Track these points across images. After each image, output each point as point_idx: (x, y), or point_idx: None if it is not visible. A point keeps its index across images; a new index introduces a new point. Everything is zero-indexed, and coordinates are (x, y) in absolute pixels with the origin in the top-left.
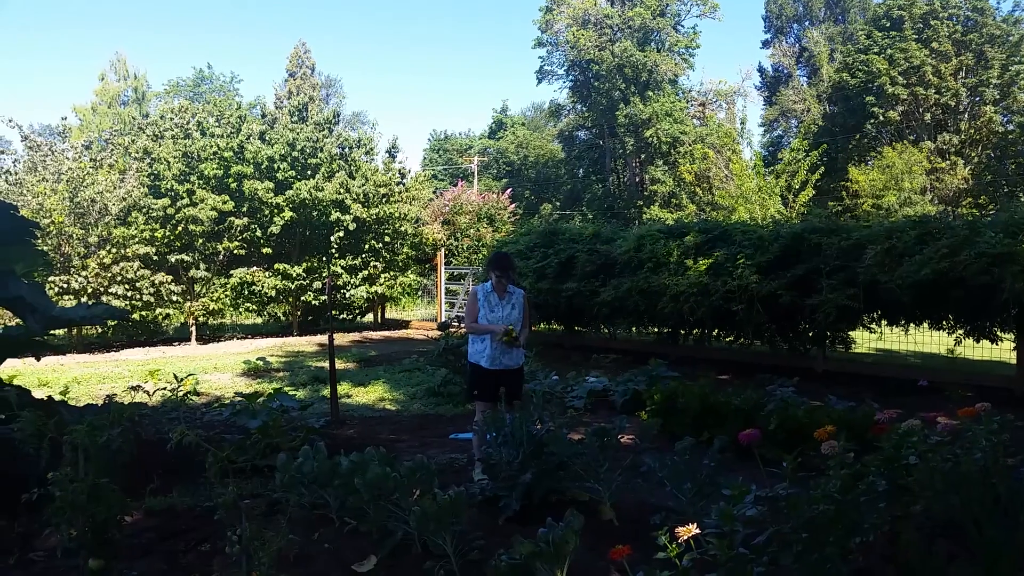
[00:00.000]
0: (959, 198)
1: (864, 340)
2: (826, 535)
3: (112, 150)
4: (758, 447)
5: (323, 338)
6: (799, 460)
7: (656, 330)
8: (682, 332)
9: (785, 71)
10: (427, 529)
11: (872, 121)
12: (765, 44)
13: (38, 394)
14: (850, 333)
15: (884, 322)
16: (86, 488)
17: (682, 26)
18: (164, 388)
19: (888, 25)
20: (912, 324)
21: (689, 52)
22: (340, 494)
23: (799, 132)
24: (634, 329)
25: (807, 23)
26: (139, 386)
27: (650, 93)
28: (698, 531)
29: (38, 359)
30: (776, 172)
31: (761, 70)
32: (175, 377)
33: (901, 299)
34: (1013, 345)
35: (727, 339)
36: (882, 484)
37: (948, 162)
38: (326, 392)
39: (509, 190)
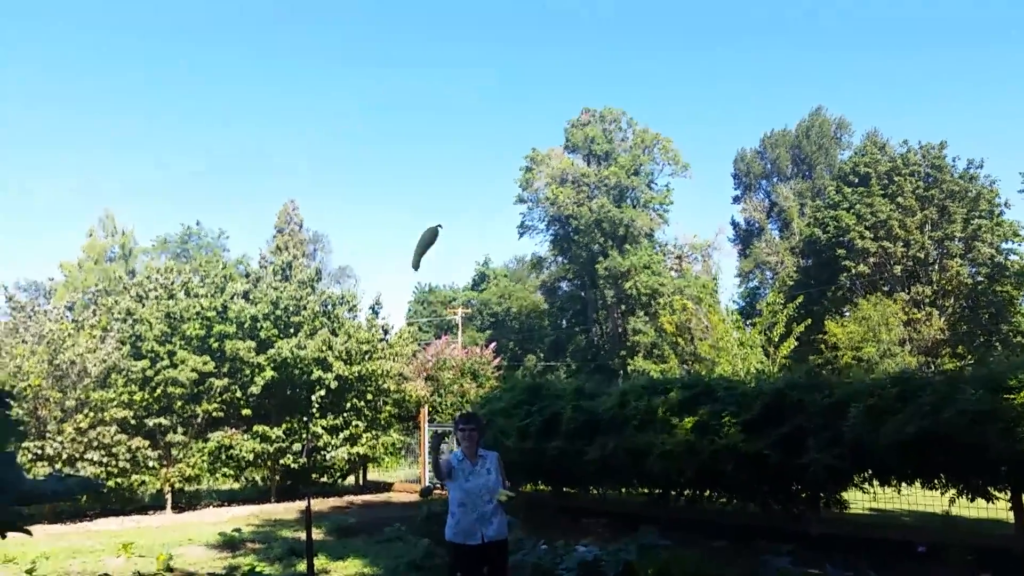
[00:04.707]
0: (937, 348)
1: (859, 499)
2: None
3: (95, 310)
4: None
5: (302, 504)
6: None
7: (646, 490)
8: (673, 493)
9: (757, 225)
10: None
11: (845, 274)
12: (736, 199)
13: (2, 572)
14: (843, 494)
15: (876, 482)
16: None
17: (656, 184)
18: (136, 568)
19: (856, 181)
20: (904, 483)
21: (663, 208)
22: None
23: (774, 285)
24: (624, 490)
25: (775, 179)
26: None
27: (628, 246)
28: None
29: (3, 536)
30: (756, 324)
31: (734, 224)
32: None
33: (887, 459)
34: (1009, 505)
35: (720, 500)
36: None
37: (923, 313)
38: (302, 567)
39: (493, 344)
